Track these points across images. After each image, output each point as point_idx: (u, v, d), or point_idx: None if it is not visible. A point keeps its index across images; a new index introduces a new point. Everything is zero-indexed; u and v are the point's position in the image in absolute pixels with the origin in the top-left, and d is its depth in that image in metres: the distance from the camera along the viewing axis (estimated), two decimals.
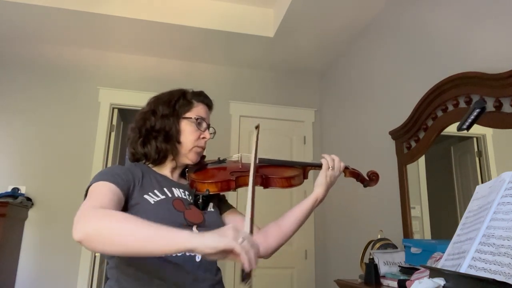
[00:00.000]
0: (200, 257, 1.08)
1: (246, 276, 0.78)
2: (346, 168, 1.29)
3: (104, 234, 0.82)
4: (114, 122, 3.39)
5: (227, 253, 0.77)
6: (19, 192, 2.97)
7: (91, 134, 3.26)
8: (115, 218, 0.86)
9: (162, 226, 0.81)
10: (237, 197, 3.03)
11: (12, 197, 2.77)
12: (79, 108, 3.29)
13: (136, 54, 3.48)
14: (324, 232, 3.39)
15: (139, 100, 3.39)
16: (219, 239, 0.76)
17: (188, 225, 1.09)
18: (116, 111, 3.42)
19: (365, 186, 1.34)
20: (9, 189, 2.95)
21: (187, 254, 1.06)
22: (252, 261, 0.76)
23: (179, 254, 1.04)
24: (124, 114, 3.84)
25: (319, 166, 1.26)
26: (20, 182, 3.04)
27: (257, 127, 1.21)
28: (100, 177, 1.04)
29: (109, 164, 3.29)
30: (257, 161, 1.16)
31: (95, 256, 3.09)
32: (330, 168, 1.23)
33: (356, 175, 1.32)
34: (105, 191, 0.99)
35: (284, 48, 3.30)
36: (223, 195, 1.31)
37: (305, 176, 1.27)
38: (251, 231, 0.89)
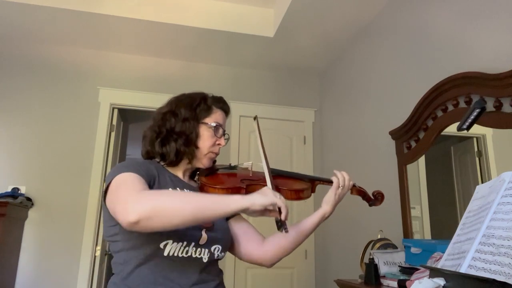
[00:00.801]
0: (206, 258, 1.08)
1: (282, 224, 0.96)
2: (353, 186, 1.29)
3: (164, 209, 0.87)
4: (114, 122, 3.39)
5: (271, 208, 0.96)
6: (19, 192, 2.97)
7: (91, 134, 3.26)
8: (168, 194, 0.98)
9: (212, 195, 1.04)
10: None
11: (12, 197, 2.77)
12: (79, 108, 3.29)
13: (136, 54, 3.48)
14: (324, 232, 3.39)
15: (139, 100, 3.44)
16: (265, 197, 0.96)
17: (197, 228, 1.08)
18: (116, 111, 3.42)
19: (370, 205, 1.35)
20: (9, 189, 2.95)
21: (193, 256, 1.06)
22: (288, 212, 0.97)
23: (185, 256, 1.05)
24: (124, 114, 3.84)
25: (328, 182, 1.25)
26: (20, 182, 3.04)
27: (255, 118, 1.22)
28: (123, 169, 1.02)
29: (109, 164, 3.29)
30: (268, 162, 1.16)
31: (95, 256, 3.09)
32: (341, 187, 1.24)
33: (362, 193, 1.32)
34: (137, 180, 0.99)
35: (284, 48, 3.30)
36: None
37: (313, 190, 1.26)
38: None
